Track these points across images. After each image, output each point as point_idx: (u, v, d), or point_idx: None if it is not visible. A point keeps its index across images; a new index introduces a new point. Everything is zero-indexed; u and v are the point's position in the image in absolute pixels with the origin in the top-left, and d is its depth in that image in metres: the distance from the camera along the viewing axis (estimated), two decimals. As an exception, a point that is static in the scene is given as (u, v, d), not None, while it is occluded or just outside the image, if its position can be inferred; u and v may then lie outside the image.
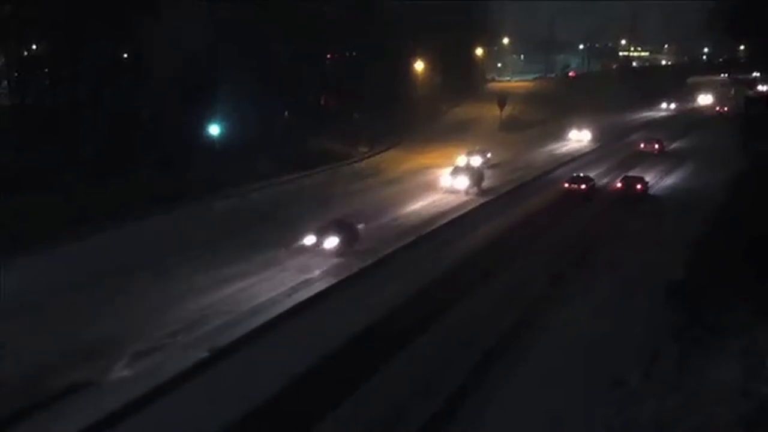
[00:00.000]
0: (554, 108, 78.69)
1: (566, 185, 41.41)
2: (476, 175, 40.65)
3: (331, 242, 27.89)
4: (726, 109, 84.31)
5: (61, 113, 39.96)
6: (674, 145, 61.16)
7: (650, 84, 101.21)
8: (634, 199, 39.53)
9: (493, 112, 72.74)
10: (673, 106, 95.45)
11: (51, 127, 38.70)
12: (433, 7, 73.84)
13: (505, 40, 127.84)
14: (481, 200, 38.63)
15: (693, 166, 50.47)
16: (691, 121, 78.61)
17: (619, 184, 41.41)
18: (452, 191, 38.96)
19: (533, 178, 46.36)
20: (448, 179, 39.94)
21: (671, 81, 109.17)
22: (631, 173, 44.20)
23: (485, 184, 41.36)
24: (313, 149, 49.36)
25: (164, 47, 43.00)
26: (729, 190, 35.32)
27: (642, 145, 57.70)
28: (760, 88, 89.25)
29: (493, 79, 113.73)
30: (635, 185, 40.75)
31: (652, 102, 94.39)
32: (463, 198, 38.95)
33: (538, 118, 74.58)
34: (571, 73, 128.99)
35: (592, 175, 43.69)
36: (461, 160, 46.97)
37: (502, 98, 72.68)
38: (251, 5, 48.32)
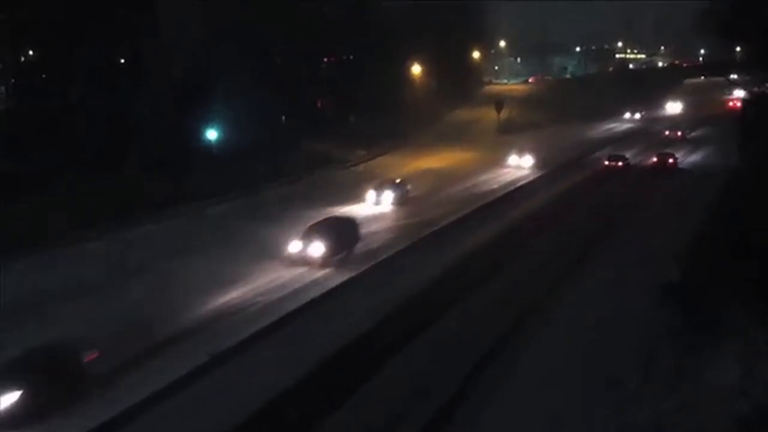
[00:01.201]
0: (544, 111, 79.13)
1: (606, 162, 50.19)
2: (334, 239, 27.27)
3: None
4: (739, 104, 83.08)
5: (58, 117, 39.89)
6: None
7: (643, 87, 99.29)
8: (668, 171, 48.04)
9: (490, 115, 72.98)
10: (638, 116, 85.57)
11: (48, 131, 38.60)
12: (429, 9, 74.00)
13: (502, 43, 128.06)
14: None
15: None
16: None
17: (654, 159, 50.17)
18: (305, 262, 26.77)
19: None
20: (297, 245, 26.91)
21: (664, 83, 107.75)
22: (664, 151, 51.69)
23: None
24: (310, 153, 49.40)
25: (162, 50, 43.09)
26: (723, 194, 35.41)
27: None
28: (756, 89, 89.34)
29: (489, 82, 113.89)
30: (668, 160, 49.18)
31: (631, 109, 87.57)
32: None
33: (533, 121, 74.86)
34: (530, 79, 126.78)
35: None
36: (370, 195, 38.02)
37: (499, 102, 73.08)
38: (248, 8, 48.31)
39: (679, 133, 66.67)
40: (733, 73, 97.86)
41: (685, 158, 54.56)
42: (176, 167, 37.56)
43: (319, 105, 63.79)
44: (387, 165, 51.97)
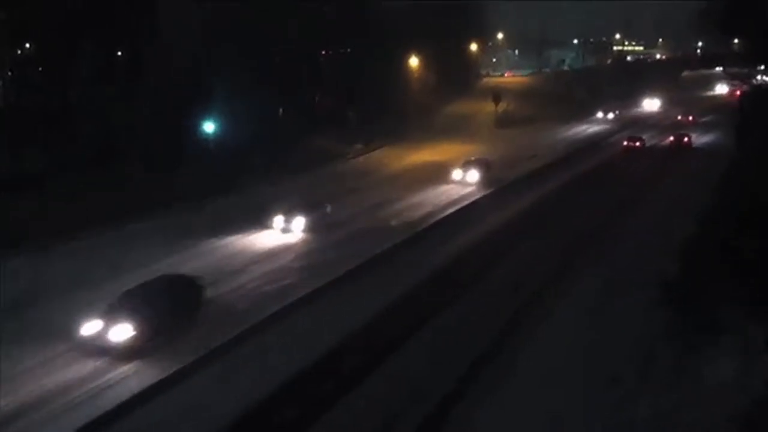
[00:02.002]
0: (545, 104, 78.92)
1: (625, 143, 57.92)
2: None
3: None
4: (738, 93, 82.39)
5: (54, 113, 39.73)
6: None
7: (639, 80, 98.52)
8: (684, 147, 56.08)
9: (487, 108, 72.94)
10: (611, 116, 77.87)
11: (44, 128, 38.49)
12: (428, 6, 73.83)
13: (500, 36, 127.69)
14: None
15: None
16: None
17: (671, 138, 58.70)
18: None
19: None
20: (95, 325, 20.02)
21: (662, 76, 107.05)
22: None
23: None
24: (307, 147, 49.33)
25: (161, 47, 42.98)
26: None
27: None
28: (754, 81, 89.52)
29: (487, 75, 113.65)
30: (683, 139, 57.50)
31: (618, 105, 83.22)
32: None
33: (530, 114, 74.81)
34: (506, 73, 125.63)
35: None
36: (277, 220, 31.89)
37: (496, 95, 73.11)
38: (246, 4, 48.16)
39: (691, 118, 73.07)
40: (730, 65, 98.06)
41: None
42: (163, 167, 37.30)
43: (316, 100, 63.63)
44: (384, 159, 52.01)
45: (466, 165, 43.70)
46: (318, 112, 59.51)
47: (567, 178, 45.56)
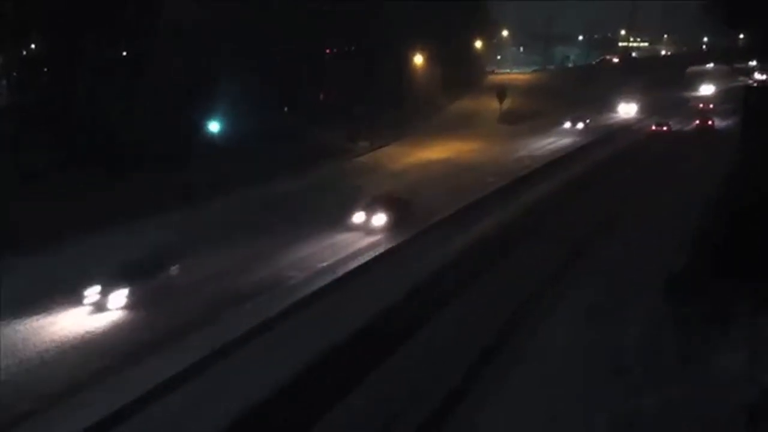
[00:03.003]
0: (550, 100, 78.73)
1: (653, 127, 63.18)
2: None
3: None
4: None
5: (59, 111, 39.81)
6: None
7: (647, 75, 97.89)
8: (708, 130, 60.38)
9: (492, 104, 72.87)
10: (580, 126, 64.86)
11: (50, 126, 38.57)
12: (433, 2, 73.67)
13: (505, 32, 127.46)
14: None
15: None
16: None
17: (697, 121, 63.69)
18: None
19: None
20: None
21: (666, 71, 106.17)
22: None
23: None
24: (313, 145, 49.32)
25: (164, 43, 43.03)
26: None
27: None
28: (758, 76, 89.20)
29: (492, 72, 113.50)
30: (708, 122, 63.18)
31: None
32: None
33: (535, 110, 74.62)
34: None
35: None
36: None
37: (501, 91, 73.00)
38: (250, 3, 48.15)
39: (711, 106, 76.52)
40: (737, 61, 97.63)
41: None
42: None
43: (321, 97, 63.63)
44: (389, 156, 52.01)
45: (371, 204, 32.70)
46: (323, 110, 59.46)
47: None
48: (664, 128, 62.88)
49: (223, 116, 43.61)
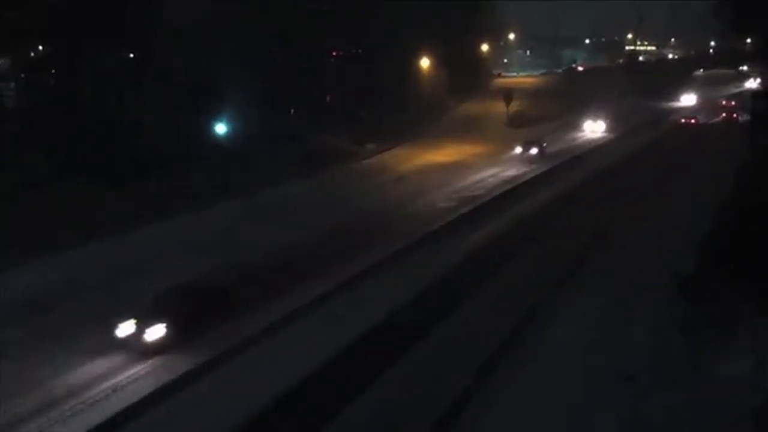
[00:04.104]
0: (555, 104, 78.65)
1: (682, 120, 70.90)
2: None
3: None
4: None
5: (65, 115, 39.79)
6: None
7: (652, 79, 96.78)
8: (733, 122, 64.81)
9: (499, 107, 72.86)
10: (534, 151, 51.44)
11: (55, 129, 38.56)
12: (439, 2, 73.68)
13: (511, 36, 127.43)
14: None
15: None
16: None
17: (724, 114, 72.15)
18: None
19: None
20: None
21: (673, 76, 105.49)
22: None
23: None
24: (320, 148, 49.43)
25: (169, 47, 43.12)
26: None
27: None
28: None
29: (499, 75, 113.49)
30: (732, 115, 69.62)
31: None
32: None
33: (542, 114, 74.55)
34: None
35: None
36: None
37: (507, 94, 72.94)
38: (255, 4, 48.23)
39: (733, 103, 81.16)
40: (744, 64, 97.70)
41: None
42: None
43: (328, 100, 63.73)
44: (397, 159, 52.10)
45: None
46: (329, 112, 59.54)
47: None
48: (693, 121, 70.50)
49: (230, 119, 43.65)
